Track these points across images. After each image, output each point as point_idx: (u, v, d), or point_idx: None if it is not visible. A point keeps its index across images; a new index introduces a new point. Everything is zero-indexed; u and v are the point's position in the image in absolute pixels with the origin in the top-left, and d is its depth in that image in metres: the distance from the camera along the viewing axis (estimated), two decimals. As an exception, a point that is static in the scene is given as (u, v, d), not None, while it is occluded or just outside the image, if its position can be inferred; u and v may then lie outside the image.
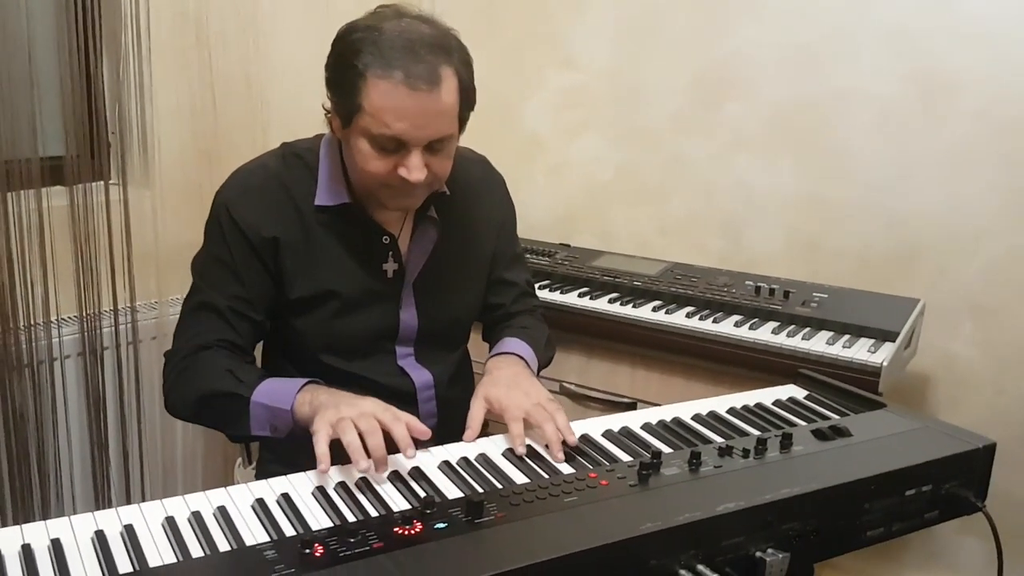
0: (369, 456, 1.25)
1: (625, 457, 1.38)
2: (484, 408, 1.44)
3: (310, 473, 1.28)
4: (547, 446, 1.37)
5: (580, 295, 2.19)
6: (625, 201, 2.65)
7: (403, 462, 1.31)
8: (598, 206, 2.69)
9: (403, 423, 1.29)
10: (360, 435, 1.25)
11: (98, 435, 1.89)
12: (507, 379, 1.48)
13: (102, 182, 1.88)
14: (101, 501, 1.93)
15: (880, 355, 1.85)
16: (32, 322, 1.74)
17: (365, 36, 1.32)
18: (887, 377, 1.83)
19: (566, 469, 1.33)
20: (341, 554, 1.05)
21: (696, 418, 1.54)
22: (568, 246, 2.56)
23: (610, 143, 2.65)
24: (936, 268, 2.25)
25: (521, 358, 1.56)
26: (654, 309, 2.09)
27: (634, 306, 2.11)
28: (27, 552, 1.05)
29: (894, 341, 1.90)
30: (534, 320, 1.73)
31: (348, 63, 1.33)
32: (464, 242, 1.60)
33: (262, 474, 1.71)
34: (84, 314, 1.83)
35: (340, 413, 1.28)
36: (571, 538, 1.11)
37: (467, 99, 1.39)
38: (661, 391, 2.08)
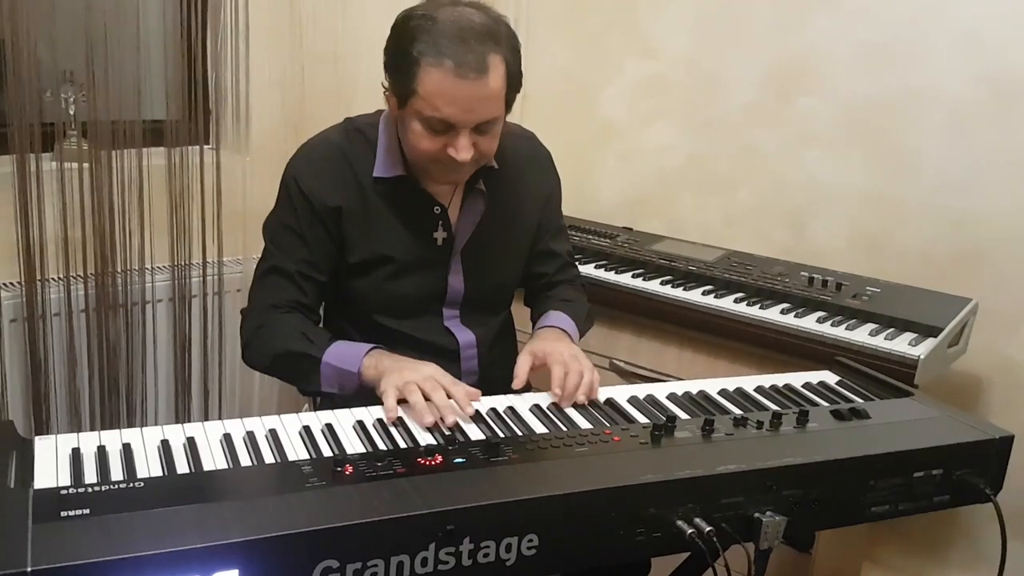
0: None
1: (643, 419, 1.46)
2: (530, 360, 1.56)
3: (354, 409, 1.43)
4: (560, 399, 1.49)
5: (634, 276, 2.27)
6: (693, 189, 2.71)
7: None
8: (666, 193, 2.76)
9: (462, 385, 1.44)
10: (425, 396, 1.39)
11: (182, 374, 2.08)
12: (552, 338, 1.62)
13: (199, 146, 2.07)
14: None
15: (920, 349, 1.88)
16: (128, 267, 1.93)
17: (420, 24, 1.44)
18: (925, 371, 1.86)
19: (584, 424, 1.44)
20: (368, 474, 1.18)
21: (722, 392, 1.61)
22: (631, 230, 2.63)
23: (682, 132, 2.71)
24: (998, 271, 2.25)
25: (565, 332, 1.67)
26: (704, 293, 2.16)
27: (685, 289, 2.18)
28: (101, 452, 1.22)
29: (937, 336, 1.92)
30: (576, 292, 1.84)
31: (404, 49, 1.45)
32: (510, 213, 1.71)
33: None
34: (176, 263, 2.02)
35: (405, 377, 1.42)
36: (575, 480, 1.21)
37: (514, 83, 1.50)
38: (707, 372, 2.14)
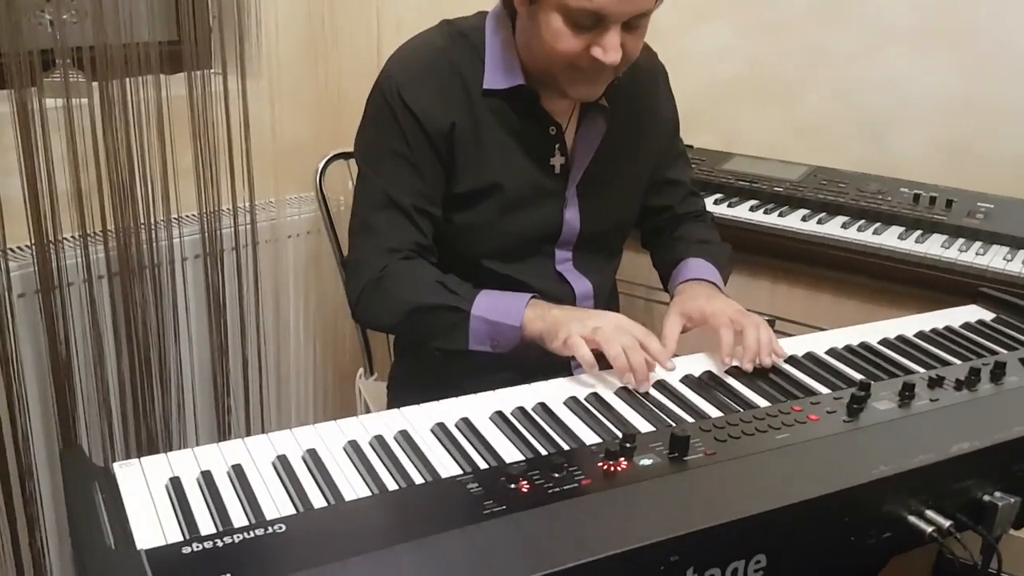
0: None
1: (822, 388, 1.25)
2: (681, 324, 1.33)
3: (482, 397, 1.18)
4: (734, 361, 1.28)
5: (716, 202, 2.03)
6: (753, 99, 2.44)
7: (580, 384, 1.21)
8: (721, 104, 2.49)
9: (655, 338, 1.23)
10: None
11: (219, 341, 1.79)
12: (705, 294, 1.38)
13: (221, 71, 1.73)
14: (221, 409, 1.85)
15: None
16: (153, 220, 1.62)
17: None
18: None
19: (759, 400, 1.21)
20: (551, 491, 0.95)
21: (885, 343, 1.40)
22: (691, 147, 2.37)
23: (739, 33, 2.43)
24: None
25: (713, 284, 1.42)
26: (803, 219, 1.92)
27: (780, 215, 1.95)
28: (208, 481, 0.96)
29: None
30: (709, 229, 1.59)
31: None
32: (633, 136, 1.45)
33: (396, 391, 1.62)
34: (204, 212, 1.71)
35: (592, 324, 1.21)
36: (798, 483, 1.00)
37: None
38: (806, 309, 1.93)
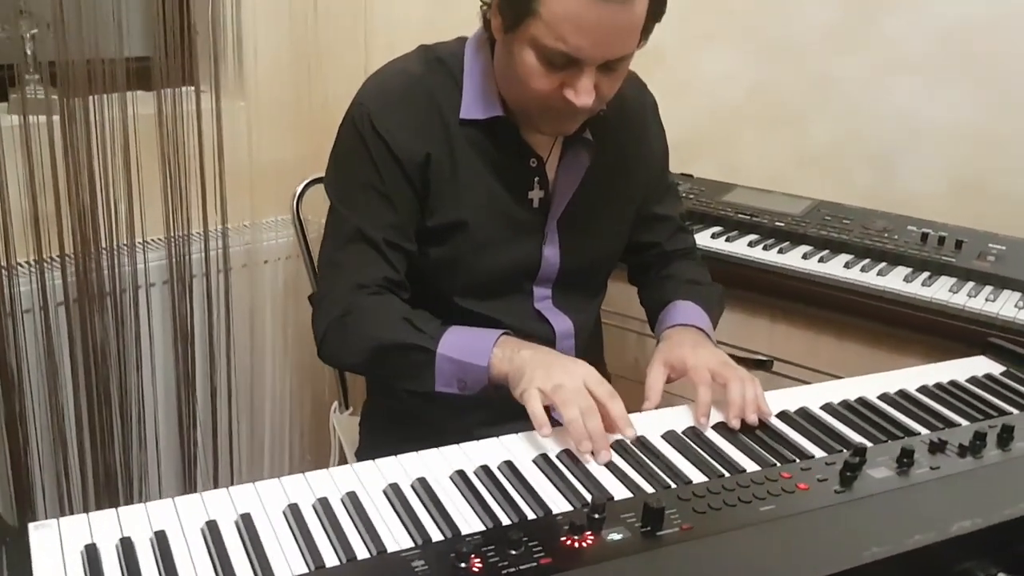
0: None
1: (815, 451, 1.15)
2: (665, 374, 1.24)
3: (446, 451, 1.09)
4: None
5: (713, 236, 1.94)
6: (757, 127, 2.35)
7: (552, 440, 1.11)
8: (724, 132, 2.40)
9: (619, 400, 1.12)
10: None
11: (185, 371, 1.71)
12: (691, 342, 1.29)
13: (192, 88, 1.65)
14: (186, 443, 1.77)
15: (1087, 324, 1.58)
16: (116, 244, 1.54)
17: None
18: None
19: (750, 466, 1.11)
20: (504, 572, 0.86)
21: (885, 399, 1.31)
22: (691, 177, 2.29)
23: (744, 58, 2.34)
24: None
25: (701, 331, 1.33)
26: (804, 256, 1.83)
27: (780, 251, 1.85)
28: (127, 550, 0.87)
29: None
30: (699, 269, 1.50)
31: None
32: (617, 171, 1.37)
33: (368, 428, 1.54)
34: (172, 236, 1.63)
35: (553, 379, 1.11)
36: (779, 566, 0.91)
37: (657, 10, 1.14)
38: (806, 351, 1.84)
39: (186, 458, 1.77)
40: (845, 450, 1.14)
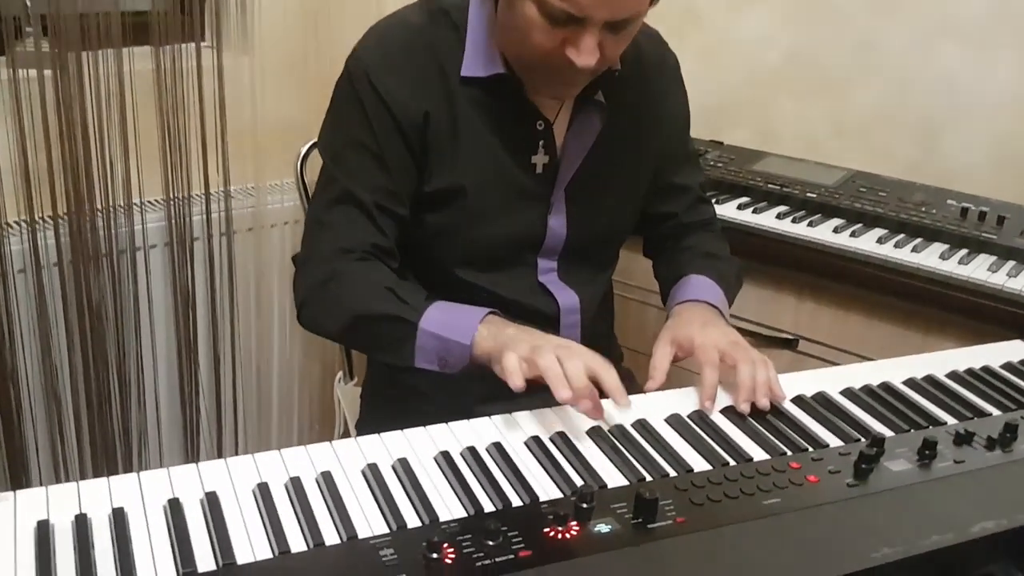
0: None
1: (831, 439, 1.07)
2: (671, 353, 1.17)
3: (433, 431, 1.03)
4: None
5: (740, 207, 1.84)
6: (794, 93, 2.24)
7: (546, 421, 1.05)
8: (759, 98, 2.29)
9: (613, 370, 1.05)
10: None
11: (186, 336, 1.66)
12: (700, 320, 1.20)
13: (193, 44, 1.59)
14: (188, 409, 1.72)
15: None
16: (112, 204, 1.49)
17: None
18: None
19: (756, 451, 1.04)
20: (479, 563, 0.80)
21: (911, 384, 1.22)
22: (721, 144, 2.19)
23: (783, 20, 2.23)
24: None
25: (714, 308, 1.25)
26: (835, 230, 1.73)
27: (809, 224, 1.76)
28: (80, 527, 0.82)
29: None
30: (718, 241, 1.41)
31: None
32: (631, 136, 1.28)
33: (368, 399, 1.48)
34: (171, 197, 1.57)
35: (536, 342, 1.04)
36: (780, 566, 0.83)
37: None
38: (833, 330, 1.75)
39: (188, 427, 1.73)
40: (863, 439, 1.06)
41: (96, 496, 0.87)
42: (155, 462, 1.71)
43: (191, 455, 1.77)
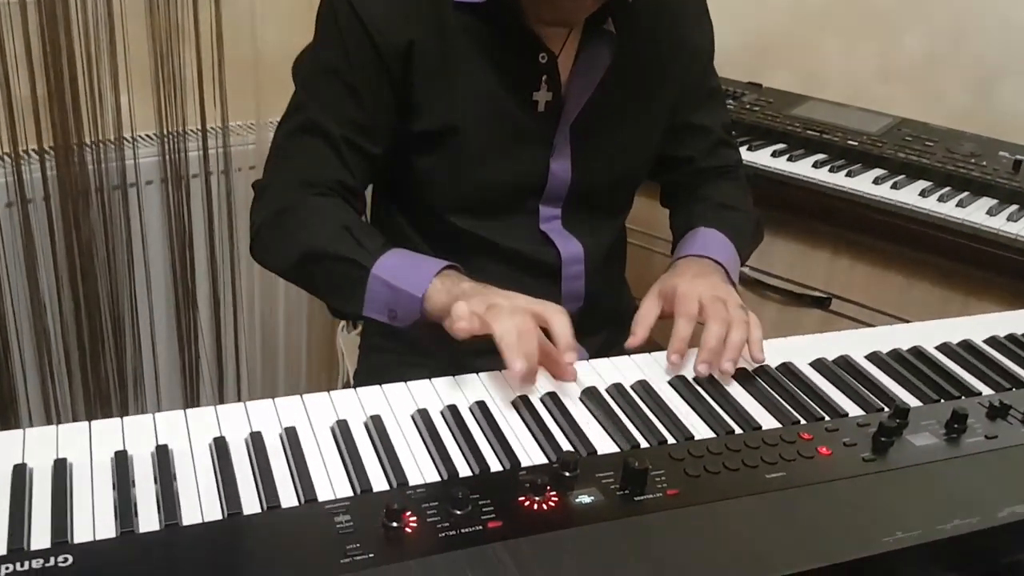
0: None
1: (851, 408, 0.97)
2: (658, 306, 1.08)
3: (413, 386, 0.95)
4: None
5: (774, 154, 1.72)
6: (840, 33, 2.11)
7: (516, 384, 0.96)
8: (803, 37, 2.16)
9: (566, 316, 0.96)
10: None
11: (183, 279, 1.60)
12: (693, 272, 1.11)
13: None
14: (187, 355, 1.67)
15: None
16: (101, 138, 1.42)
17: None
18: None
19: (766, 418, 0.95)
20: (441, 533, 0.73)
21: (945, 350, 1.11)
22: (759, 87, 2.06)
23: (829, -44, 2.09)
24: None
25: (716, 263, 1.15)
26: (875, 181, 1.61)
27: (848, 174, 1.63)
28: (58, 473, 0.77)
29: None
30: (738, 190, 1.30)
31: None
32: (645, 69, 1.17)
33: (365, 349, 1.41)
34: (165, 132, 1.50)
35: (492, 300, 0.96)
36: (776, 547, 0.75)
37: None
38: (868, 289, 1.64)
39: (187, 372, 1.68)
40: (886, 409, 0.96)
41: (74, 438, 0.82)
42: (152, 408, 1.66)
43: (191, 401, 1.73)
